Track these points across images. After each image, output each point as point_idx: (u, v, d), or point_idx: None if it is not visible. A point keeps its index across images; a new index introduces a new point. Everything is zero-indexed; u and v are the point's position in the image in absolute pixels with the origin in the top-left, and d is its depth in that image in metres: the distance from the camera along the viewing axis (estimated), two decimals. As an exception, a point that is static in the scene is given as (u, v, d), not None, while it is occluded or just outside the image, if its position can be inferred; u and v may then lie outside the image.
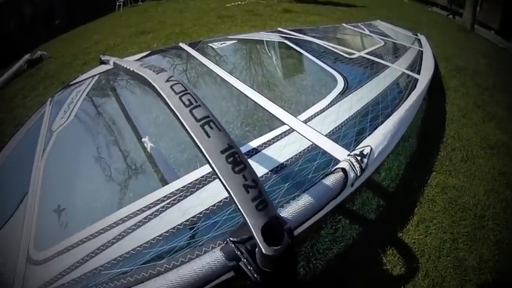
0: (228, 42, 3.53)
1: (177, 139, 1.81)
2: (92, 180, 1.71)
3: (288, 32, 3.83)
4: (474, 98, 4.10)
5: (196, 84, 2.61)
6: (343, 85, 2.21)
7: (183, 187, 1.41)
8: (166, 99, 0.92)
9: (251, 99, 2.03)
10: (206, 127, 0.84)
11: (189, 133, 0.85)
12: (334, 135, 1.68)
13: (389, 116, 1.82)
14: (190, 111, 0.87)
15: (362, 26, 4.61)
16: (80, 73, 3.21)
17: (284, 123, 1.76)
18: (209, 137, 0.82)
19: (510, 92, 4.70)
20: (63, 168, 1.81)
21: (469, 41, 7.74)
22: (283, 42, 3.45)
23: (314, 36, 3.66)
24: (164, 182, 1.49)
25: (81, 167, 1.83)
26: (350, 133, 1.70)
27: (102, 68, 3.02)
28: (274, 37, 3.64)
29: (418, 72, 2.65)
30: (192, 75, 2.83)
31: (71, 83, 2.98)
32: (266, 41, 3.58)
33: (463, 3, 10.90)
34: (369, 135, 1.65)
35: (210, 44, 3.46)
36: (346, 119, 1.82)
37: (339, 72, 2.46)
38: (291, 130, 1.71)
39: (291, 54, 3.15)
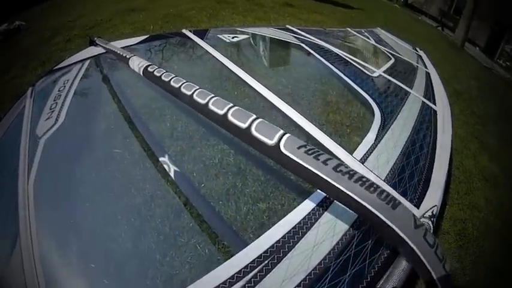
0: (241, 36, 3.25)
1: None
2: (108, 220, 1.38)
3: (298, 31, 3.61)
4: (472, 128, 4.25)
5: (213, 82, 2.42)
6: (380, 115, 2.01)
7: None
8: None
9: (291, 119, 1.74)
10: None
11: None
12: (391, 181, 1.48)
13: (431, 160, 1.69)
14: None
15: (366, 34, 4.48)
16: (62, 51, 2.80)
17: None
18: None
19: (499, 120, 4.96)
20: (62, 196, 1.42)
21: (461, 61, 7.99)
22: (299, 45, 3.21)
23: (327, 42, 3.46)
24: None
25: (89, 194, 1.47)
26: (403, 178, 1.52)
27: (93, 50, 2.65)
28: (287, 36, 3.41)
29: (434, 102, 2.50)
30: (204, 69, 2.61)
31: (56, 67, 2.57)
32: (282, 41, 3.35)
33: (454, 18, 11.55)
34: (420, 183, 1.50)
35: (220, 36, 3.16)
36: (396, 160, 1.63)
37: (371, 97, 2.24)
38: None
39: (314, 64, 2.94)
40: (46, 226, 1.22)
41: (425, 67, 3.50)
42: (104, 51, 2.50)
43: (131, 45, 2.77)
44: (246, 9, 7.22)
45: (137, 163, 1.64)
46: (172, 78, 1.37)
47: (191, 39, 2.86)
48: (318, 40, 3.46)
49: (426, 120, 2.14)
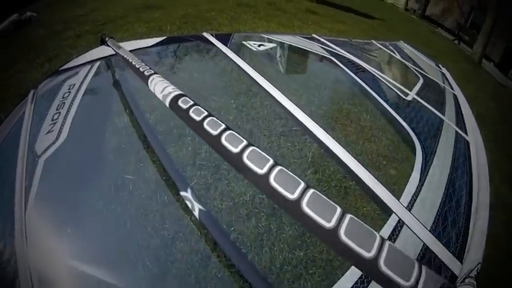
0: (267, 45, 3.01)
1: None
2: (119, 262, 1.20)
3: (325, 42, 3.37)
4: (494, 154, 4.12)
5: (240, 97, 2.30)
6: (421, 149, 1.84)
7: None
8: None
9: (326, 146, 1.51)
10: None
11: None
12: (436, 231, 1.33)
13: (469, 203, 1.53)
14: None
15: (391, 48, 4.34)
16: (71, 48, 2.54)
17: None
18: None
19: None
20: (64, 232, 1.23)
21: (479, 78, 7.84)
22: (330, 58, 3.00)
23: (356, 55, 3.25)
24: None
25: (96, 230, 1.30)
26: (447, 227, 1.38)
27: (104, 51, 2.33)
28: (316, 48, 3.18)
29: (465, 131, 2.33)
30: (229, 81, 2.49)
31: (62, 68, 2.28)
32: (311, 53, 3.13)
33: (470, 32, 11.69)
34: (461, 232, 1.36)
35: (245, 43, 2.91)
36: (440, 205, 1.47)
37: (410, 126, 2.07)
38: (400, 223, 1.28)
39: (347, 82, 2.78)
40: (45, 269, 1.04)
41: (451, 88, 3.35)
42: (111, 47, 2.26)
43: (147, 47, 2.52)
44: (269, 14, 7.02)
45: (153, 195, 1.43)
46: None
47: (213, 44, 2.61)
48: (346, 53, 3.26)
49: (461, 154, 1.98)
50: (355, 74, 2.71)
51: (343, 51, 3.26)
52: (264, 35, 3.32)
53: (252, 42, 2.93)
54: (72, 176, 1.46)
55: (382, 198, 1.32)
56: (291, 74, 2.86)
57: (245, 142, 0.84)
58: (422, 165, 1.68)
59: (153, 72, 1.41)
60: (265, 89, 1.93)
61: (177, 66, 2.53)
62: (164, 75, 1.33)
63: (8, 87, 4.09)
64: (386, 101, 2.33)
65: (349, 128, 2.26)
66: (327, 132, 1.57)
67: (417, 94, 2.66)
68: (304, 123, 1.66)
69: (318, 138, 1.56)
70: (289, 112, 1.73)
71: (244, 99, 2.25)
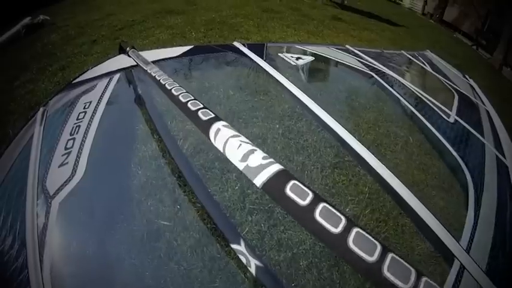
0: (305, 58, 2.83)
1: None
2: None
3: (361, 54, 3.27)
4: None
5: (285, 121, 2.18)
6: (471, 181, 1.73)
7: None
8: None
9: (380, 178, 1.39)
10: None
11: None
12: (492, 276, 1.21)
13: None
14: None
15: (420, 58, 4.22)
16: (86, 55, 2.34)
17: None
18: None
19: None
20: None
21: (503, 88, 7.76)
22: (369, 73, 2.92)
23: (393, 70, 3.20)
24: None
25: None
26: (497, 269, 1.31)
27: (123, 60, 2.08)
28: (353, 61, 3.07)
29: (503, 153, 2.18)
30: (272, 101, 2.36)
31: (75, 80, 2.00)
32: (352, 68, 3.01)
33: (488, 37, 11.75)
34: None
35: (281, 55, 2.74)
36: (491, 248, 1.38)
37: (459, 155, 1.96)
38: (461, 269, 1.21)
39: (390, 102, 2.77)
40: None
41: (483, 102, 3.22)
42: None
43: (172, 58, 2.28)
44: (295, 20, 6.82)
45: (197, 246, 1.24)
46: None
47: (247, 55, 2.40)
48: (383, 67, 3.16)
49: (504, 181, 1.85)
50: (397, 92, 2.62)
51: (380, 65, 3.17)
52: (298, 46, 3.22)
53: (288, 55, 2.78)
54: (94, 223, 1.29)
55: (442, 240, 1.23)
56: (334, 92, 2.78)
57: (312, 195, 0.70)
58: (475, 201, 1.61)
59: (183, 90, 1.18)
60: (312, 111, 1.74)
61: (208, 81, 2.33)
62: (194, 92, 1.15)
63: (17, 98, 3.91)
64: (431, 123, 2.24)
65: (400, 155, 2.16)
66: (382, 162, 1.45)
67: (457, 114, 2.55)
68: (357, 151, 1.51)
69: (374, 170, 1.43)
70: (341, 138, 1.58)
71: (290, 123, 2.13)
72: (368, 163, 1.47)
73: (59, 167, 1.29)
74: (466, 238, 1.38)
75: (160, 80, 1.42)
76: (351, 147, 1.53)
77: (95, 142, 1.44)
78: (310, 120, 1.95)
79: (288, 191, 0.68)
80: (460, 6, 14.01)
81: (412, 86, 2.85)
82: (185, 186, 1.38)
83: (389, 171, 1.40)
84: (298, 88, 1.93)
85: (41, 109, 1.66)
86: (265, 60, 2.32)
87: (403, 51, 4.29)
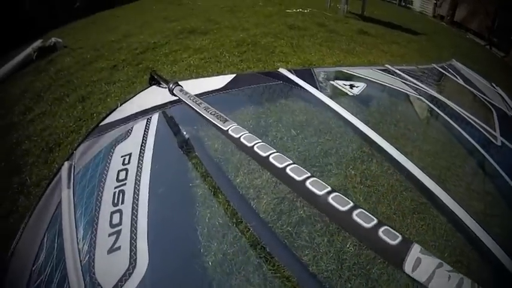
0: (358, 85, 2.72)
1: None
2: None
3: (402, 75, 3.23)
4: None
5: (355, 162, 2.12)
6: None
7: None
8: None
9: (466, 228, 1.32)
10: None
11: None
12: None
13: None
14: None
15: (451, 71, 4.19)
16: (107, 83, 2.25)
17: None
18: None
19: None
20: None
21: None
22: (420, 99, 2.89)
23: (434, 88, 3.25)
24: None
25: None
26: None
27: (157, 94, 1.90)
28: (398, 83, 3.03)
29: None
30: (337, 138, 2.25)
31: (105, 122, 1.77)
32: (399, 92, 2.98)
33: (498, 33, 11.78)
34: None
35: (334, 83, 2.63)
36: None
37: None
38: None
39: (448, 133, 2.59)
40: None
41: None
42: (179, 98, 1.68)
43: (218, 90, 2.08)
44: (325, 38, 6.74)
45: None
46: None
47: (298, 84, 2.24)
48: (426, 87, 3.15)
49: None
50: (446, 115, 2.60)
51: (422, 85, 3.13)
52: (343, 69, 3.19)
53: (340, 82, 2.69)
54: None
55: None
56: (393, 123, 2.76)
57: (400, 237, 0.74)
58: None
59: (245, 132, 1.11)
60: (382, 148, 1.69)
61: (264, 119, 2.18)
62: (252, 131, 1.12)
63: (32, 136, 3.70)
64: (483, 150, 2.19)
65: (461, 188, 2.09)
66: (459, 204, 1.41)
67: (501, 135, 2.49)
68: (435, 192, 1.46)
69: (448, 209, 1.42)
70: (416, 179, 1.52)
71: (364, 167, 2.03)
72: (445, 204, 1.42)
73: (108, 253, 1.07)
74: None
75: (216, 122, 1.18)
76: (426, 188, 1.47)
77: (150, 216, 1.17)
78: (381, 159, 1.95)
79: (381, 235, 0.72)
80: (468, 4, 14.13)
81: (456, 106, 2.77)
82: (271, 260, 1.27)
83: (464, 211, 1.37)
84: (361, 121, 1.85)
85: (66, 164, 1.42)
86: (320, 91, 2.18)
87: (433, 65, 4.28)
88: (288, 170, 0.91)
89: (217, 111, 1.20)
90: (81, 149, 1.55)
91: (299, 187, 0.87)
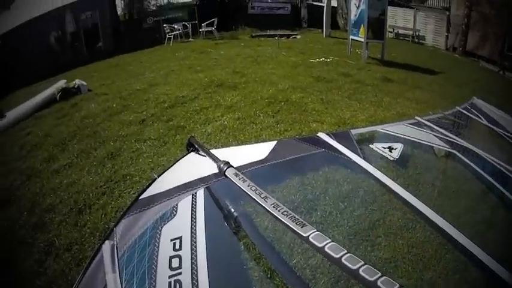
0: (396, 147, 2.64)
1: None
2: None
3: (434, 127, 3.13)
4: None
5: (412, 243, 2.11)
6: None
7: None
8: None
9: None
10: None
11: None
12: None
13: None
14: None
15: (474, 111, 4.00)
16: (137, 141, 2.30)
17: None
18: None
19: None
20: None
21: None
22: (459, 156, 2.78)
23: (466, 139, 3.01)
24: None
25: None
26: None
27: (197, 164, 1.78)
28: (432, 139, 2.95)
29: None
30: (385, 210, 2.19)
31: (145, 195, 1.62)
32: (438, 149, 2.95)
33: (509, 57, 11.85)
34: None
35: (372, 147, 2.55)
36: None
37: None
38: None
39: (485, 188, 2.52)
40: None
41: None
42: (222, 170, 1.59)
43: (261, 161, 1.94)
44: (352, 89, 6.80)
45: None
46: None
47: (339, 151, 2.17)
48: (459, 139, 3.02)
49: None
50: (483, 170, 2.51)
51: (453, 136, 3.03)
52: (378, 129, 2.99)
53: (379, 145, 2.60)
54: None
55: None
56: (430, 182, 2.69)
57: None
58: None
59: (328, 240, 1.00)
60: (423, 214, 1.64)
61: (311, 192, 2.15)
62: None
63: (57, 190, 3.65)
64: None
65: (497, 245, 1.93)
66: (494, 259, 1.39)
67: None
68: (472, 251, 1.45)
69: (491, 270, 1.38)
70: (454, 240, 1.50)
71: (410, 235, 2.05)
72: (480, 260, 1.41)
73: None
74: None
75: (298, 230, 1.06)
76: (464, 247, 1.45)
77: None
78: (423, 225, 1.93)
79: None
80: (478, 31, 14.34)
81: (488, 155, 2.70)
82: None
83: (498, 265, 1.36)
84: (402, 187, 1.78)
85: (107, 244, 1.30)
86: (359, 155, 2.11)
87: (457, 108, 4.05)
88: (360, 270, 0.87)
89: (289, 211, 1.15)
90: (121, 226, 1.43)
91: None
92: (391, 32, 15.88)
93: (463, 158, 2.67)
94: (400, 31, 16.00)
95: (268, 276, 1.52)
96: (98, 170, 3.91)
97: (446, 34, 15.05)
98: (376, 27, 10.36)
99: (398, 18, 16.16)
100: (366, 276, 0.85)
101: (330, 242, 1.01)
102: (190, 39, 14.25)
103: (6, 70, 10.26)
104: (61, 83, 7.38)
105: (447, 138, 3.01)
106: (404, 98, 6.93)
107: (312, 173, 2.24)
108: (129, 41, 13.89)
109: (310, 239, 1.04)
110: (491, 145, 3.45)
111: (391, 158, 2.44)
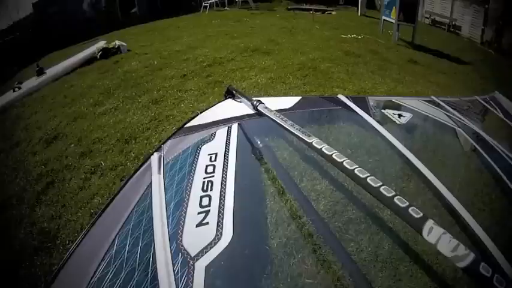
0: (405, 115, 2.84)
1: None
2: None
3: (446, 107, 3.21)
4: None
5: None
6: None
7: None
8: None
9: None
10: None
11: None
12: None
13: None
14: None
15: (492, 103, 3.98)
16: (180, 90, 2.41)
17: None
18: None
19: None
20: None
21: None
22: (462, 134, 2.84)
23: (475, 123, 3.10)
24: None
25: None
26: None
27: (232, 106, 2.18)
28: (442, 116, 3.02)
29: None
30: (386, 163, 2.32)
31: (189, 125, 2.02)
32: (444, 125, 2.95)
33: None
34: None
35: (384, 112, 2.77)
36: None
37: None
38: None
39: (482, 165, 2.54)
40: None
41: None
42: (254, 111, 1.99)
43: (287, 110, 2.29)
44: (378, 66, 6.91)
45: None
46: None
47: (354, 111, 2.44)
48: (468, 121, 3.09)
49: None
50: (481, 147, 2.55)
51: (463, 118, 3.11)
52: (393, 99, 3.21)
53: (391, 112, 2.81)
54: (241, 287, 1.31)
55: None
56: (431, 150, 2.74)
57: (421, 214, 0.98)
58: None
59: (325, 145, 1.38)
60: (420, 171, 1.79)
61: (325, 137, 2.36)
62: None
63: (104, 126, 4.08)
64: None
65: (484, 213, 2.08)
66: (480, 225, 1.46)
67: None
68: (460, 212, 1.55)
69: (476, 236, 1.44)
70: (444, 199, 1.64)
71: (404, 185, 2.10)
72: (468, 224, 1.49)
73: (197, 226, 1.27)
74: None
75: (305, 138, 1.46)
76: (453, 208, 1.57)
77: (235, 202, 1.39)
78: (418, 181, 1.94)
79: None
80: None
81: (491, 139, 2.71)
82: (324, 246, 1.47)
83: (483, 231, 1.42)
84: (404, 146, 1.98)
85: (156, 155, 1.64)
86: (371, 116, 2.38)
87: (476, 97, 4.01)
88: (356, 171, 1.23)
89: (301, 128, 1.50)
90: (168, 143, 1.76)
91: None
92: (427, 18, 15.37)
93: (467, 137, 2.81)
94: (437, 18, 15.11)
95: (281, 192, 1.76)
96: (143, 112, 4.26)
97: (482, 28, 14.06)
98: (409, 10, 10.19)
99: (436, 5, 15.30)
100: (363, 177, 1.19)
101: (325, 146, 1.37)
102: (226, 8, 14.21)
103: (43, 34, 10.53)
104: (101, 43, 7.64)
105: (456, 118, 3.10)
106: (426, 80, 6.97)
107: (328, 124, 2.46)
108: (164, 7, 13.95)
109: (314, 143, 1.42)
110: (501, 134, 3.68)
111: (398, 123, 2.62)
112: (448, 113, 3.11)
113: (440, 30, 14.50)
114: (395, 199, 1.08)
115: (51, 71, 6.98)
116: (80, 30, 10.83)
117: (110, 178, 3.37)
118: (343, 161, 1.26)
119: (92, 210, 3.04)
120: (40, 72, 6.85)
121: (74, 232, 2.85)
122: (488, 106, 3.85)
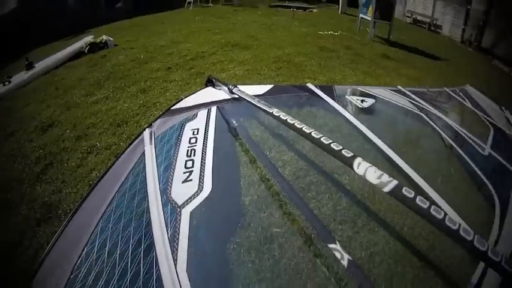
0: (368, 101, 3.01)
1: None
2: None
3: (411, 95, 3.39)
4: None
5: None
6: (499, 206, 1.78)
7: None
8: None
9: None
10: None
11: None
12: None
13: None
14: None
15: (461, 94, 4.27)
16: (165, 81, 2.60)
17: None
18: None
19: None
20: None
21: None
22: (421, 116, 2.98)
23: (437, 107, 3.28)
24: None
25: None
26: None
27: (212, 93, 2.43)
28: (405, 102, 3.20)
29: None
30: (347, 141, 2.26)
31: (175, 107, 2.29)
32: (405, 109, 3.11)
33: None
34: None
35: (348, 97, 2.96)
36: None
37: (493, 186, 2.00)
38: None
39: (438, 142, 2.64)
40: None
41: None
42: (231, 97, 2.28)
43: (259, 95, 2.48)
44: (350, 60, 7.17)
45: (303, 247, 1.45)
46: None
47: (321, 97, 2.65)
48: (430, 107, 3.27)
49: None
50: (440, 129, 2.72)
51: (426, 104, 3.28)
52: (360, 88, 3.34)
53: (354, 98, 3.01)
54: (221, 230, 1.48)
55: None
56: (391, 132, 2.70)
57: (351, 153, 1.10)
58: (500, 218, 1.64)
59: (288, 116, 1.55)
60: (378, 147, 1.97)
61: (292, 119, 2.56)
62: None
63: (97, 113, 4.30)
64: (469, 157, 2.30)
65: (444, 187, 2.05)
66: (438, 193, 1.53)
67: (492, 148, 2.63)
68: (414, 180, 1.64)
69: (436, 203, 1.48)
70: (402, 170, 1.73)
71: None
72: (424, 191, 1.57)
73: (182, 182, 1.49)
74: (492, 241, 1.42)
75: (281, 116, 1.73)
76: (409, 176, 1.67)
77: (213, 164, 1.63)
78: (375, 154, 1.98)
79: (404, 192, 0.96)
80: (495, 29, 13.02)
81: (453, 123, 3.01)
82: (289, 202, 1.63)
83: (445, 202, 1.49)
84: (363, 125, 2.18)
85: (147, 130, 1.86)
86: (337, 103, 2.56)
87: (445, 88, 4.27)
88: (313, 133, 1.37)
89: (268, 104, 1.82)
90: (157, 122, 1.99)
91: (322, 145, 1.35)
92: (409, 17, 15.59)
93: (429, 121, 2.84)
94: (418, 17, 15.35)
95: (252, 161, 1.92)
96: (133, 100, 4.53)
97: (463, 27, 14.28)
98: (385, 8, 10.27)
99: (418, 4, 15.48)
100: (317, 138, 1.32)
101: (288, 116, 1.65)
102: (209, 4, 14.36)
103: (27, 28, 10.33)
104: (89, 38, 7.75)
105: (420, 105, 3.17)
106: (397, 73, 7.15)
107: (296, 108, 2.55)
108: (148, 2, 13.88)
109: (274, 113, 1.74)
110: (461, 118, 3.66)
111: (360, 107, 2.75)
112: (412, 101, 3.20)
113: (421, 29, 14.67)
114: (333, 145, 1.23)
115: (40, 65, 7.02)
116: (64, 25, 10.78)
117: (105, 155, 3.65)
118: (302, 127, 1.43)
119: (90, 182, 3.26)
120: (29, 66, 6.88)
121: (75, 202, 3.04)
122: (457, 97, 4.02)
